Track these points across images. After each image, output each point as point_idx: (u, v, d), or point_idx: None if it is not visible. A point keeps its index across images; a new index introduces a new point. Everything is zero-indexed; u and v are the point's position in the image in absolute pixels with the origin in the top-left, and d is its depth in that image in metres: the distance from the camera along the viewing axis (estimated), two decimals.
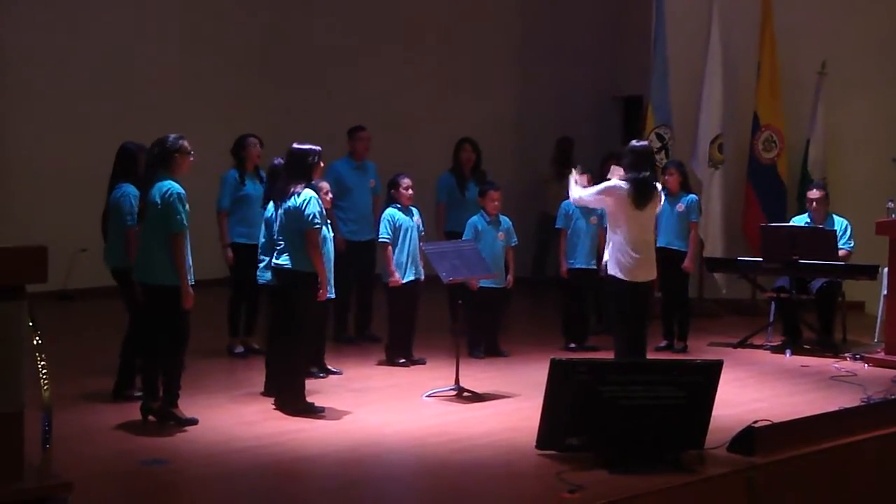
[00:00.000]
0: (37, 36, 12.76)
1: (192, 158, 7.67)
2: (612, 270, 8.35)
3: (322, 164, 8.19)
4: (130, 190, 8.14)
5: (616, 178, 8.40)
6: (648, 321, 8.67)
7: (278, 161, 8.60)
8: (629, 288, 8.31)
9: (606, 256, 8.48)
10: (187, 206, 7.52)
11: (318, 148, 8.12)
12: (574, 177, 8.80)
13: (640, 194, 8.27)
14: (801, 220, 10.84)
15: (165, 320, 7.50)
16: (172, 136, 7.67)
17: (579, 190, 8.66)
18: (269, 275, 8.46)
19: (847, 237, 10.57)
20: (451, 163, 11.16)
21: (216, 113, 13.38)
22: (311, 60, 14.45)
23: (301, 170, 8.00)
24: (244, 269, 9.37)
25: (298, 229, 7.88)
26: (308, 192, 7.92)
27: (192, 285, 7.52)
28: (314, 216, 7.87)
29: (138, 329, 8.00)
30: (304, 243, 7.88)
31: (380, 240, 9.69)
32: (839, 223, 10.65)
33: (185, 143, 7.65)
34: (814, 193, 10.77)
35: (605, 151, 11.91)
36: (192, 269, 7.56)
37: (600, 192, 8.42)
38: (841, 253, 10.40)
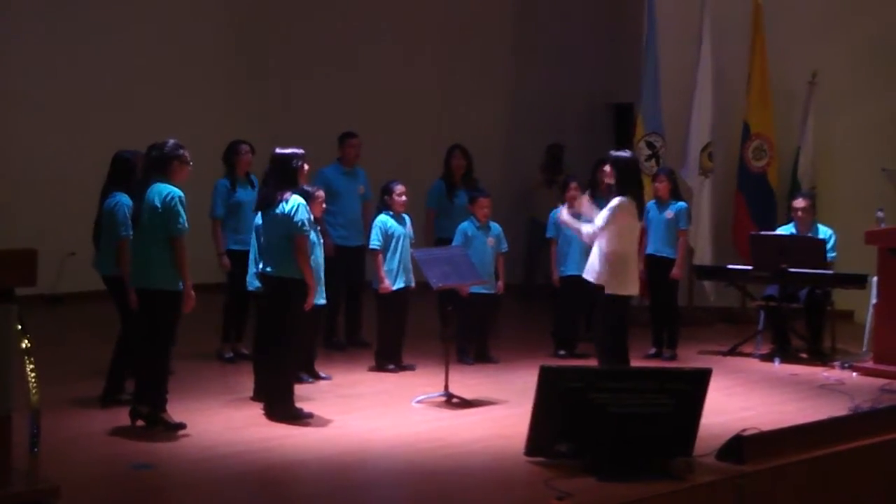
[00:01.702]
0: (31, 41, 12.74)
1: (189, 168, 7.65)
2: (611, 285, 8.37)
3: (307, 167, 8.16)
4: (124, 199, 8.11)
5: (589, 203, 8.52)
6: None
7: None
8: (626, 301, 8.40)
9: (597, 268, 8.49)
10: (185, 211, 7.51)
11: (301, 151, 8.08)
12: (567, 217, 8.85)
13: (640, 204, 8.43)
14: (786, 230, 10.86)
15: (157, 325, 7.49)
16: (172, 141, 7.64)
17: (589, 227, 8.57)
18: (258, 282, 8.47)
19: (829, 247, 10.57)
20: (443, 169, 11.17)
21: (211, 118, 13.34)
22: (307, 65, 14.43)
23: (286, 175, 7.97)
24: (240, 274, 9.36)
25: (287, 236, 7.85)
26: (296, 199, 7.89)
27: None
28: (303, 223, 7.85)
29: (130, 334, 7.99)
30: (292, 250, 7.86)
31: (371, 247, 9.67)
32: (824, 232, 10.67)
33: (185, 153, 7.62)
34: (799, 203, 10.79)
35: (595, 159, 11.90)
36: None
37: (610, 220, 8.38)
38: None
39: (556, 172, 13.83)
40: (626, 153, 8.83)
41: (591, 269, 8.55)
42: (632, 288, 8.48)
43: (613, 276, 8.40)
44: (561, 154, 14.08)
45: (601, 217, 8.45)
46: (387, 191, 9.69)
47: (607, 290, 8.44)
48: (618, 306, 8.45)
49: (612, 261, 8.40)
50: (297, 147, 8.14)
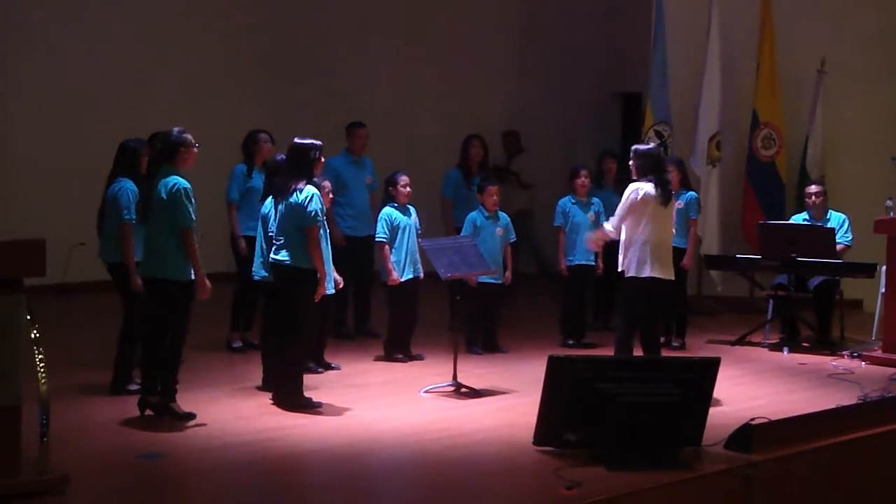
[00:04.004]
0: (37, 29, 12.74)
1: (196, 151, 7.65)
2: (633, 270, 8.34)
3: (323, 160, 8.17)
4: (129, 185, 8.14)
5: (639, 183, 8.41)
6: (660, 318, 8.76)
7: (280, 157, 8.58)
8: (648, 285, 8.34)
9: (623, 256, 8.47)
10: (194, 201, 7.51)
11: (319, 143, 8.08)
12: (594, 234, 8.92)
13: (665, 191, 8.37)
14: (799, 218, 10.86)
15: (168, 315, 7.50)
16: (176, 129, 7.64)
17: (608, 224, 8.57)
18: (264, 271, 8.47)
19: (845, 230, 10.59)
20: (459, 158, 11.19)
21: (219, 109, 13.33)
22: (314, 57, 14.42)
23: (303, 165, 7.96)
24: (251, 262, 9.35)
25: (300, 226, 7.85)
26: (310, 189, 7.88)
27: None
28: (316, 213, 7.84)
29: (138, 323, 8.00)
30: (304, 240, 7.85)
31: (377, 239, 9.66)
32: (837, 218, 10.68)
33: (189, 136, 7.61)
34: (812, 188, 10.83)
35: (602, 148, 11.90)
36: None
37: (629, 208, 8.35)
38: (839, 247, 10.42)
39: (512, 160, 13.81)
40: (647, 144, 8.83)
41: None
42: (648, 271, 8.32)
43: (631, 260, 8.35)
44: (517, 142, 14.01)
45: (619, 207, 8.44)
46: (391, 182, 9.67)
47: (624, 273, 8.42)
48: (630, 288, 8.40)
49: (638, 253, 8.32)
50: (316, 139, 8.13)
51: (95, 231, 8.55)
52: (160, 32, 13.52)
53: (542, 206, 12.95)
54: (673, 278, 8.58)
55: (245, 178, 9.74)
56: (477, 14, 14.83)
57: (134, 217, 7.93)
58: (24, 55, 12.68)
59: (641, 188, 8.34)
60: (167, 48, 13.54)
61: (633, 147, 8.67)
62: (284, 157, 8.31)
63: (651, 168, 8.41)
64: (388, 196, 9.69)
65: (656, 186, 8.33)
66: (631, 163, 8.53)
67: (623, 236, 8.43)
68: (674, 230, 9.06)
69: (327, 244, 8.51)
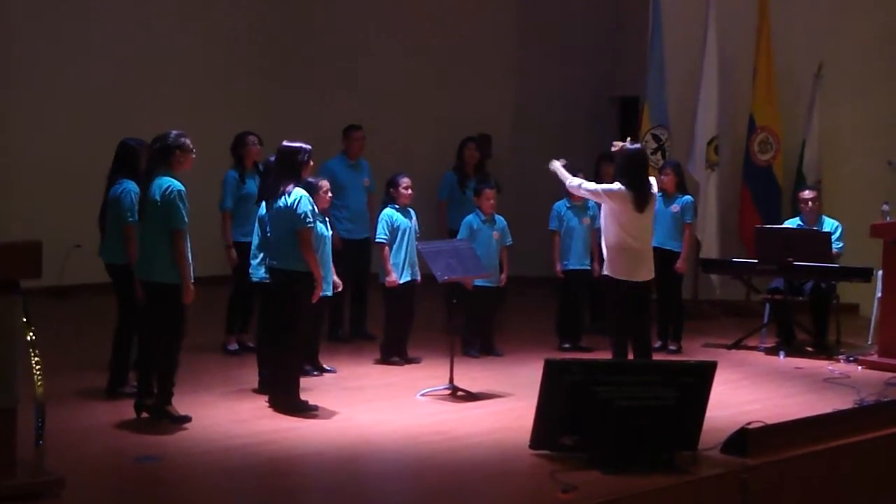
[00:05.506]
0: (38, 32, 12.74)
1: (193, 156, 7.65)
2: (609, 271, 8.41)
3: (311, 163, 8.16)
4: (131, 186, 8.11)
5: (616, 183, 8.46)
6: (649, 319, 8.79)
7: (273, 159, 8.58)
8: (626, 287, 8.37)
9: (605, 259, 8.56)
10: (187, 203, 7.50)
11: (308, 146, 8.08)
12: (558, 164, 8.89)
13: (641, 197, 8.38)
14: (792, 223, 10.86)
15: (163, 318, 7.49)
16: (174, 132, 7.64)
17: (577, 179, 8.71)
18: (262, 272, 8.46)
19: (836, 238, 10.58)
20: (455, 162, 11.19)
21: (216, 111, 13.34)
22: (311, 59, 14.43)
23: (291, 168, 7.97)
24: (246, 266, 9.35)
25: (291, 228, 7.85)
26: (299, 191, 7.88)
27: (191, 282, 7.52)
28: (306, 215, 7.84)
29: (134, 325, 7.99)
30: (296, 242, 7.86)
31: (377, 240, 9.66)
32: (830, 224, 10.68)
33: (187, 141, 7.61)
34: (806, 194, 10.82)
35: (599, 152, 11.89)
36: (192, 266, 7.54)
37: (601, 193, 8.48)
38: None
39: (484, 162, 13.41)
40: (634, 146, 8.84)
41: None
42: (634, 274, 8.45)
43: (611, 262, 8.45)
44: (488, 145, 13.74)
45: (595, 185, 8.54)
46: (392, 184, 9.67)
47: (605, 273, 8.52)
48: (613, 289, 8.46)
49: (611, 254, 8.46)
50: (305, 142, 8.13)
51: (96, 231, 8.52)
52: (160, 33, 13.51)
53: (539, 208, 12.95)
54: (651, 277, 8.63)
55: (238, 184, 9.73)
56: (475, 17, 14.83)
57: (137, 219, 7.90)
58: (24, 56, 12.67)
59: (622, 190, 8.39)
60: (167, 49, 13.53)
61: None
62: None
63: (631, 172, 8.45)
64: (389, 197, 9.68)
65: (632, 191, 8.37)
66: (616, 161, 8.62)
67: (602, 239, 8.55)
68: (667, 233, 9.11)
69: (327, 246, 8.54)
